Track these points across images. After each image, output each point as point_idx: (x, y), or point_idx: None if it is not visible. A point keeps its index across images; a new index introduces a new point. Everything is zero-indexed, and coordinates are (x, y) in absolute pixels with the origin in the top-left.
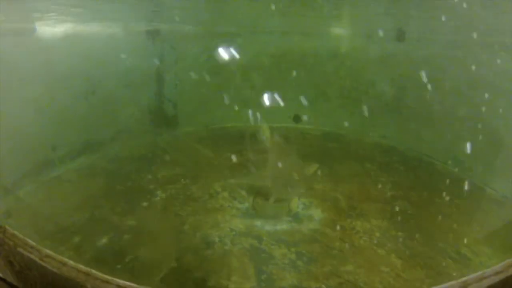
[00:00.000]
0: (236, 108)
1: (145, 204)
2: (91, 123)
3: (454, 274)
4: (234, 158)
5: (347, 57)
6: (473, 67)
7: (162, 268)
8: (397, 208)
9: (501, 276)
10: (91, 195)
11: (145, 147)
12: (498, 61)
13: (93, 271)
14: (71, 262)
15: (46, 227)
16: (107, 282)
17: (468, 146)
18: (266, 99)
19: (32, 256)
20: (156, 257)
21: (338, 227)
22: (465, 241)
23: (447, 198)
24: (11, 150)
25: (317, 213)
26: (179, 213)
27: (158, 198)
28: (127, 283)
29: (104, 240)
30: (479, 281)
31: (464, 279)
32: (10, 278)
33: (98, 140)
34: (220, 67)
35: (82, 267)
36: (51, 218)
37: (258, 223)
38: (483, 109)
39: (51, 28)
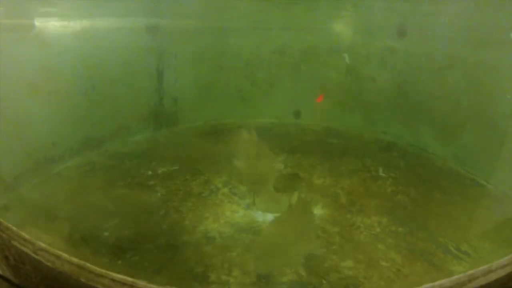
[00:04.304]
0: (237, 103)
1: (145, 200)
2: (91, 119)
3: (454, 270)
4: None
5: (347, 53)
6: (475, 64)
7: (161, 263)
8: (397, 204)
9: (508, 270)
10: (91, 192)
11: (145, 143)
12: (502, 58)
13: (88, 264)
14: (64, 255)
15: (45, 223)
16: (102, 276)
17: (469, 142)
18: None
19: (26, 250)
20: (156, 252)
21: (338, 223)
22: (465, 237)
23: (447, 194)
24: (11, 147)
25: (317, 209)
26: (179, 208)
27: (159, 194)
28: (122, 276)
29: (104, 237)
30: (486, 275)
31: (471, 272)
32: (7, 274)
33: (98, 137)
34: (220, 62)
35: (76, 260)
36: (50, 214)
37: (258, 218)
38: (484, 105)
39: (50, 24)
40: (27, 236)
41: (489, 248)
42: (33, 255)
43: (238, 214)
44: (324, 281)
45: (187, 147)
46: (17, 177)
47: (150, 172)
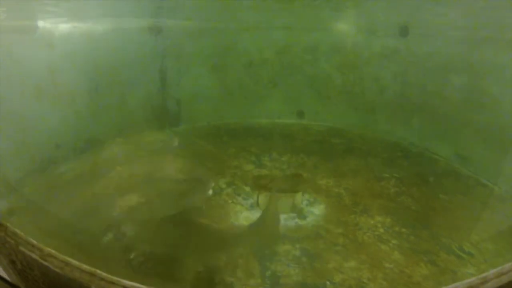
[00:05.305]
0: (240, 103)
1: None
2: (94, 120)
3: (457, 271)
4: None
5: (350, 52)
6: (478, 63)
7: (165, 264)
8: (400, 204)
9: None
10: (94, 193)
11: (148, 144)
12: (504, 57)
13: (98, 271)
14: (74, 262)
15: (49, 225)
16: (113, 283)
17: (472, 142)
18: None
19: (33, 255)
20: (159, 254)
21: (341, 223)
22: (469, 237)
23: (450, 194)
24: (15, 148)
25: (320, 209)
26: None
27: None
28: (134, 284)
29: (108, 238)
30: (499, 277)
31: (483, 275)
32: (13, 278)
33: (101, 137)
34: (223, 63)
35: (86, 267)
36: (54, 216)
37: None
38: (487, 104)
39: (53, 26)
40: (34, 242)
41: (492, 249)
42: (40, 260)
43: (242, 214)
44: (327, 283)
45: (190, 147)
46: (22, 179)
47: None
